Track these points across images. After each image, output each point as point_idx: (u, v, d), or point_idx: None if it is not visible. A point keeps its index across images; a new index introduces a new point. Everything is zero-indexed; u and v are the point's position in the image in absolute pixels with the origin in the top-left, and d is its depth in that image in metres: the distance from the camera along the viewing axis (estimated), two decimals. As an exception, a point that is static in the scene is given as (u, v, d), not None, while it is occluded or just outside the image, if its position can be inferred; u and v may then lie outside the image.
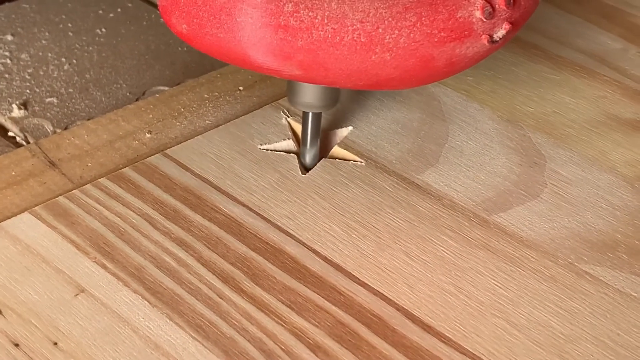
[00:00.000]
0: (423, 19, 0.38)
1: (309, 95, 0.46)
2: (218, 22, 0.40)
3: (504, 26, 0.39)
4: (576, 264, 0.44)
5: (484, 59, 0.42)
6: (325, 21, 0.38)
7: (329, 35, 0.38)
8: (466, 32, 0.39)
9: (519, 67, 0.58)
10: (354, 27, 0.38)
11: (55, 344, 0.39)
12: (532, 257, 0.45)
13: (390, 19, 0.38)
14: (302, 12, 0.38)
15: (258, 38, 0.39)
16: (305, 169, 0.49)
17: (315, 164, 0.49)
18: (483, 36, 0.39)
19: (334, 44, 0.38)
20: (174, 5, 0.41)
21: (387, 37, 0.38)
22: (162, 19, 0.42)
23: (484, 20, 0.39)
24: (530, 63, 0.59)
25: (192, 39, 0.41)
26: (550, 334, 0.41)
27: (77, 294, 0.41)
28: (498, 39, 0.39)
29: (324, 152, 0.51)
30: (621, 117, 0.55)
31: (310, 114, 0.48)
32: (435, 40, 0.38)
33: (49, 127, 0.55)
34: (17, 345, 0.39)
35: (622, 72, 0.58)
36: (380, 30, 0.38)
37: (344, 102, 0.54)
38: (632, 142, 0.52)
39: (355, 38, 0.38)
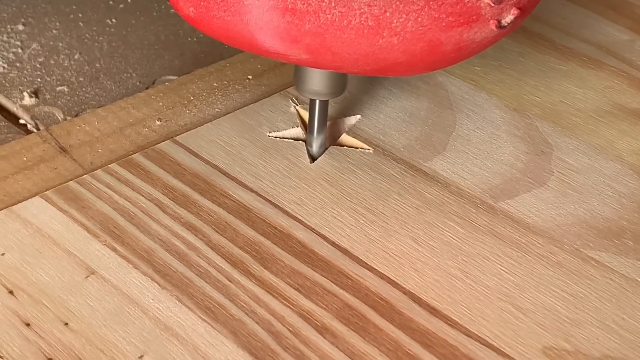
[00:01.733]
0: (431, 3, 0.38)
1: (316, 82, 0.46)
2: (225, 5, 0.40)
3: (512, 11, 0.40)
4: (582, 250, 0.45)
5: (492, 45, 0.42)
6: (333, 4, 0.38)
7: (336, 19, 0.38)
8: (474, 17, 0.39)
9: (526, 58, 0.59)
10: (362, 10, 0.38)
11: (66, 324, 0.39)
12: (538, 243, 0.45)
13: (398, 3, 0.38)
14: (309, -5, 0.38)
15: (265, 21, 0.39)
16: (312, 157, 0.49)
17: (322, 152, 0.50)
18: (491, 21, 0.39)
19: (341, 28, 0.39)
20: (180, -12, 0.42)
21: (395, 21, 0.38)
22: (170, 3, 0.42)
23: (492, 5, 0.39)
24: (537, 53, 0.59)
25: (199, 22, 0.42)
26: (555, 318, 0.41)
27: (87, 276, 0.42)
28: (506, 24, 0.40)
29: (332, 139, 0.51)
30: (628, 107, 0.55)
31: (317, 101, 0.48)
32: (443, 24, 0.39)
33: (59, 115, 0.55)
34: (28, 325, 0.39)
35: (629, 62, 0.59)
36: (387, 14, 0.38)
37: (352, 91, 0.54)
38: (639, 131, 0.53)
39: (362, 22, 0.38)
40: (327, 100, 0.48)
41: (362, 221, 0.46)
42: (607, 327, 0.41)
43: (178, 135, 0.50)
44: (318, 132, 0.49)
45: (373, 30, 0.39)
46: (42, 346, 0.38)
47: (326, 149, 0.50)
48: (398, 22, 0.38)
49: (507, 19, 0.40)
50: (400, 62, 0.40)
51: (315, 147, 0.50)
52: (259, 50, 0.41)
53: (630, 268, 0.44)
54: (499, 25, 0.40)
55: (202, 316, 0.40)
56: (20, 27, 0.63)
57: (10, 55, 0.60)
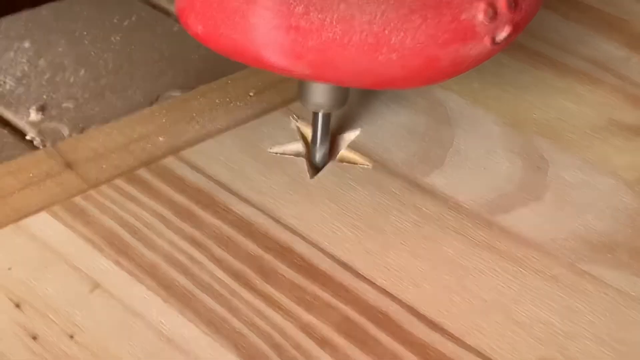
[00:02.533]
0: (428, 20, 0.39)
1: (319, 95, 0.47)
2: (232, 24, 0.41)
3: (505, 28, 0.41)
4: (577, 264, 0.46)
5: (487, 60, 0.43)
6: (334, 23, 0.40)
7: (338, 37, 0.40)
8: (469, 34, 0.40)
9: (524, 74, 0.60)
10: (362, 28, 0.39)
11: (72, 337, 0.40)
12: (534, 257, 0.46)
13: (396, 21, 0.39)
14: (312, 14, 0.40)
15: (270, 39, 0.41)
16: (315, 168, 0.51)
17: (326, 163, 0.51)
18: (486, 38, 0.41)
19: (343, 45, 0.40)
20: (190, 8, 0.43)
21: (393, 38, 0.39)
22: (179, 22, 0.44)
23: (487, 23, 0.40)
24: (534, 70, 0.60)
25: (207, 39, 0.43)
26: (551, 331, 0.42)
27: (92, 290, 0.43)
28: (500, 40, 0.41)
29: (332, 154, 0.52)
30: (623, 122, 0.56)
31: (320, 113, 0.49)
32: (440, 41, 0.40)
33: (65, 131, 0.56)
34: (35, 338, 0.40)
35: (625, 79, 0.60)
36: (386, 31, 0.39)
37: (352, 106, 0.55)
38: (634, 147, 0.54)
39: (362, 39, 0.40)
40: (330, 113, 0.49)
41: (361, 236, 0.47)
42: (601, 340, 0.42)
43: (181, 151, 0.51)
44: (321, 143, 0.50)
45: (373, 47, 0.40)
46: (48, 359, 0.39)
47: (326, 163, 0.51)
48: (396, 39, 0.40)
49: (501, 35, 0.41)
50: (399, 77, 0.41)
51: (318, 158, 0.51)
52: (265, 66, 0.42)
53: (624, 282, 0.45)
54: (494, 42, 0.41)
55: (205, 329, 0.41)
56: (27, 45, 0.64)
57: (17, 72, 0.61)
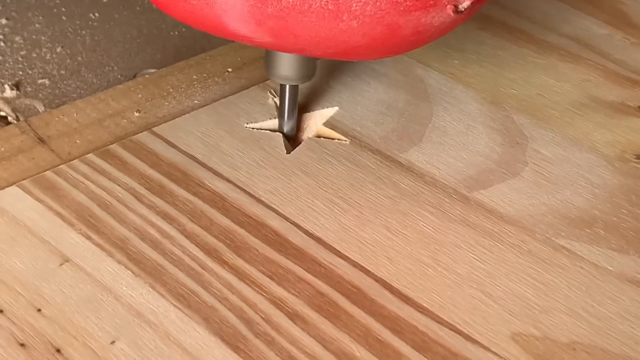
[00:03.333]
0: (389, -13, 0.39)
1: (286, 67, 0.47)
2: None
3: None
4: (554, 239, 0.45)
5: (452, 30, 0.42)
6: (294, -12, 0.39)
7: (298, 2, 0.39)
8: (431, 2, 0.39)
9: (504, 51, 0.59)
10: None
11: (39, 310, 0.40)
12: (510, 232, 0.45)
13: (356, -13, 0.38)
14: (272, -20, 0.39)
15: (230, 5, 0.40)
16: (287, 140, 0.50)
17: (294, 135, 0.50)
18: (448, 6, 0.40)
19: (303, 11, 0.39)
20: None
21: (354, 5, 0.39)
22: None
23: (448, -10, 0.39)
24: (515, 47, 0.60)
25: (167, 6, 0.42)
26: (525, 305, 0.41)
27: (61, 264, 0.42)
28: (463, 9, 0.40)
29: (309, 131, 0.51)
30: (604, 99, 0.55)
31: (287, 86, 0.49)
32: (401, 8, 0.39)
33: (40, 108, 0.56)
34: (1, 311, 0.40)
35: (607, 56, 0.59)
36: (347, -3, 0.39)
37: (330, 83, 0.55)
38: (614, 123, 0.53)
39: (322, 5, 0.39)
40: (297, 86, 0.49)
41: (336, 211, 0.46)
42: (576, 314, 0.41)
43: (156, 126, 0.51)
44: (289, 116, 0.50)
45: (333, 13, 0.39)
46: (14, 332, 0.39)
47: (299, 137, 0.50)
48: (357, 6, 0.39)
49: (464, 4, 0.40)
50: (361, 45, 0.41)
51: (286, 130, 0.50)
52: (225, 33, 0.42)
53: (601, 257, 0.44)
54: (456, 11, 0.40)
55: (175, 303, 0.41)
56: (4, 21, 0.63)
57: (-7, 48, 0.61)
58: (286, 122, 0.50)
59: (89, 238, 0.43)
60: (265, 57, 0.47)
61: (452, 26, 0.41)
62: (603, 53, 0.59)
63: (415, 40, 0.41)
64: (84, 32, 0.63)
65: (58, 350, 0.38)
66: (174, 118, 0.52)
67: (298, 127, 0.51)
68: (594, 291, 0.42)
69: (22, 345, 0.38)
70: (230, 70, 0.56)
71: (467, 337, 0.40)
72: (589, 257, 0.44)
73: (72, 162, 0.48)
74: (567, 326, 0.41)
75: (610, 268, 0.44)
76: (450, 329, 0.40)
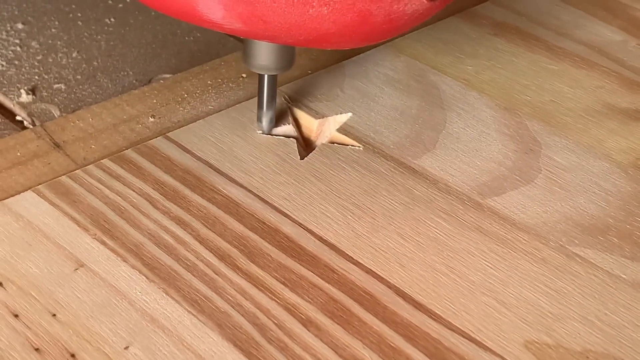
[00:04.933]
0: (360, -28, 0.38)
1: (263, 56, 0.47)
2: None
3: None
4: (567, 246, 0.45)
5: (426, 19, 0.42)
6: (263, -27, 0.39)
7: None
8: None
9: (518, 58, 0.59)
10: None
11: (54, 315, 0.40)
12: (523, 239, 0.45)
13: (326, -28, 0.38)
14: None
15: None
16: (264, 133, 0.51)
17: (272, 129, 0.51)
18: None
19: None
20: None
21: None
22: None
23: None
24: (530, 54, 0.60)
25: None
26: (538, 313, 0.41)
27: (76, 269, 0.42)
28: None
29: (323, 137, 0.52)
30: (618, 106, 0.55)
31: (265, 76, 0.49)
32: None
33: (55, 112, 0.56)
34: (16, 316, 0.40)
35: (621, 63, 0.59)
36: (317, -17, 0.39)
37: (343, 89, 0.55)
38: (628, 130, 0.53)
39: None
40: (276, 75, 0.49)
41: (349, 217, 0.46)
42: (589, 322, 0.41)
43: (170, 131, 0.51)
44: (267, 107, 0.50)
45: None
46: (29, 337, 0.39)
47: (271, 129, 0.51)
48: None
49: None
50: (332, 33, 0.40)
51: (264, 123, 0.51)
52: (195, 19, 0.42)
53: (614, 264, 0.44)
54: None
55: (189, 308, 0.41)
56: (20, 26, 0.64)
57: (9, 53, 0.61)
58: (265, 112, 0.50)
59: (103, 243, 0.44)
60: (244, 47, 0.48)
61: (425, 15, 0.41)
62: (617, 59, 0.59)
63: (388, 29, 0.41)
64: (99, 37, 0.63)
65: (72, 355, 0.38)
66: (189, 123, 0.52)
67: (312, 132, 0.51)
68: (607, 299, 0.42)
69: (37, 349, 0.38)
70: (244, 75, 0.56)
71: (480, 345, 0.40)
72: (602, 265, 0.44)
73: (87, 167, 0.48)
74: (580, 334, 0.41)
75: (624, 276, 0.44)
76: (463, 337, 0.40)
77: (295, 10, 0.40)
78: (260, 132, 0.51)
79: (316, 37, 0.41)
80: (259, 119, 0.51)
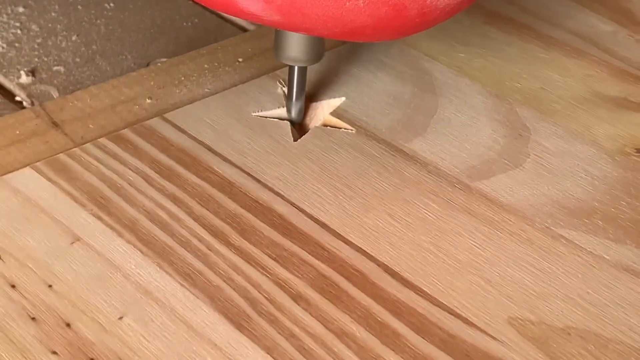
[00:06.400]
0: (395, -33, 0.40)
1: (294, 48, 0.48)
2: None
3: None
4: (552, 228, 0.46)
5: (457, 13, 0.43)
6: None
7: None
8: None
9: (510, 46, 0.60)
10: None
11: (50, 286, 0.41)
12: (510, 220, 0.46)
13: (363, -33, 0.40)
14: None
15: (239, -18, 0.41)
16: (292, 123, 0.52)
17: (302, 119, 0.52)
18: None
19: None
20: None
21: None
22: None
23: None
24: (522, 43, 0.61)
25: None
26: (522, 291, 0.42)
27: (73, 242, 0.43)
28: None
29: (316, 120, 0.53)
30: (606, 94, 0.56)
31: (295, 67, 0.50)
32: None
33: (54, 94, 0.57)
34: (13, 286, 0.41)
35: (611, 53, 0.60)
36: (353, -23, 0.40)
37: (338, 74, 0.56)
38: (616, 118, 0.54)
39: None
40: (306, 67, 0.50)
41: (341, 197, 0.47)
42: (571, 300, 0.42)
43: (167, 112, 0.52)
44: (297, 97, 0.51)
45: None
46: (26, 306, 0.40)
47: (306, 124, 0.51)
48: None
49: None
50: (367, 26, 0.42)
51: (294, 113, 0.52)
52: (235, 11, 0.43)
53: (598, 246, 0.45)
54: None
55: (182, 282, 0.42)
56: (21, 9, 0.65)
57: (10, 35, 0.62)
58: (294, 103, 0.51)
59: (99, 218, 0.45)
60: (275, 39, 0.49)
61: (457, 9, 0.42)
62: (607, 49, 0.60)
63: (420, 22, 0.42)
64: (98, 21, 0.64)
65: (68, 325, 0.39)
66: (185, 105, 0.53)
67: (305, 115, 0.52)
68: (590, 279, 0.43)
69: (33, 319, 0.39)
70: (240, 60, 0.57)
71: (465, 320, 0.41)
72: (587, 246, 0.45)
73: (84, 145, 0.49)
74: (562, 312, 0.42)
75: (607, 257, 0.45)
76: (449, 313, 0.41)
77: (332, 3, 0.41)
78: (256, 113, 0.52)
79: (351, 29, 0.42)
80: (288, 110, 0.52)
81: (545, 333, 0.41)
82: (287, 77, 0.52)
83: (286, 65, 0.53)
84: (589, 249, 0.45)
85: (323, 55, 0.50)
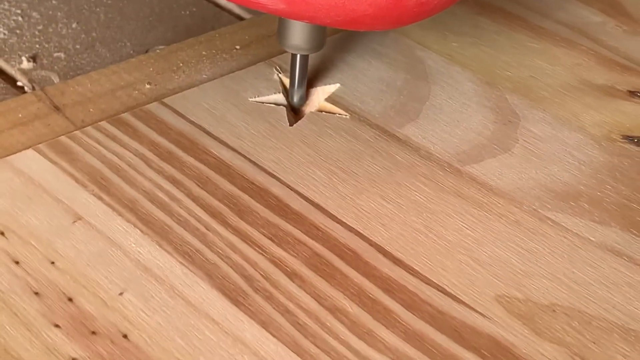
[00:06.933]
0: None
1: (297, 37, 0.50)
2: None
3: None
4: (540, 210, 0.47)
5: (454, 3, 0.45)
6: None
7: None
8: None
9: (501, 36, 0.62)
10: None
11: (53, 263, 0.42)
12: (499, 203, 0.48)
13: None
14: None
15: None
16: (293, 110, 0.53)
17: (302, 105, 0.53)
18: None
19: None
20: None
21: None
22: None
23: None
24: (512, 32, 0.62)
25: None
26: (509, 270, 0.44)
27: (74, 221, 0.45)
28: None
29: (311, 105, 0.54)
30: (594, 82, 0.58)
31: (298, 55, 0.52)
32: None
33: (55, 79, 0.58)
34: (17, 262, 0.42)
35: (600, 42, 0.62)
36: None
37: (333, 62, 0.57)
38: (603, 105, 0.56)
39: None
40: (307, 56, 0.52)
41: (335, 180, 0.49)
42: (557, 279, 0.44)
43: (166, 97, 0.53)
44: (299, 85, 0.53)
45: None
46: (29, 281, 0.41)
47: (304, 109, 0.53)
48: None
49: None
50: (368, 15, 0.43)
51: (296, 100, 0.53)
52: (241, 0, 0.44)
53: (584, 228, 0.47)
54: None
55: (180, 260, 0.43)
56: (22, -3, 0.66)
57: (11, 22, 0.63)
58: (296, 90, 0.53)
59: (100, 198, 0.46)
60: (278, 27, 0.50)
61: (453, 0, 0.44)
62: (596, 39, 0.62)
63: (418, 12, 0.44)
64: (98, 9, 0.65)
65: (70, 299, 0.41)
66: (183, 90, 0.54)
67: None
68: (575, 259, 0.45)
69: (36, 293, 0.41)
70: (238, 47, 0.59)
71: (454, 298, 0.42)
72: (572, 228, 0.47)
73: (85, 128, 0.50)
74: (548, 290, 0.43)
75: (592, 238, 0.46)
76: (439, 290, 0.43)
77: None
78: (253, 99, 0.54)
79: (353, 18, 0.44)
80: (291, 96, 0.54)
81: (531, 310, 0.42)
82: (283, 64, 0.53)
83: (282, 52, 0.54)
84: (574, 231, 0.46)
85: (324, 44, 0.51)
